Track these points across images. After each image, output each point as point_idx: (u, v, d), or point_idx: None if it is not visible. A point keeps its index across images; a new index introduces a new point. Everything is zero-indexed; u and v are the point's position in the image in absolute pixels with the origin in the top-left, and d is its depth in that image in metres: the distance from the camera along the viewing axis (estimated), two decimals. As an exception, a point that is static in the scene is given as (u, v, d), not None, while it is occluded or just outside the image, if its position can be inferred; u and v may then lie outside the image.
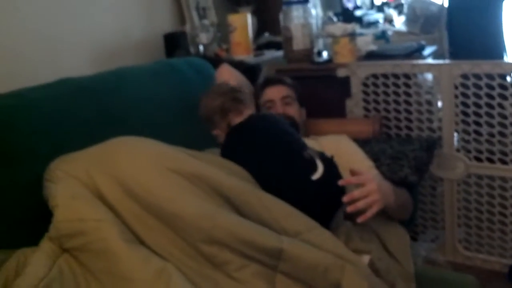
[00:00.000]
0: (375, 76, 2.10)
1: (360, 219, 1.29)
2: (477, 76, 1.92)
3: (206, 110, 1.66)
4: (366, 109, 2.16)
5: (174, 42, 2.40)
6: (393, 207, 1.43)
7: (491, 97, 1.91)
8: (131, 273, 1.07)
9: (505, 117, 1.91)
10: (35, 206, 1.26)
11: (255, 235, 1.13)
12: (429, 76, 2.07)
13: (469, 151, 2.02)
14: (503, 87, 1.89)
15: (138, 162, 1.25)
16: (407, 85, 2.05)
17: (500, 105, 1.90)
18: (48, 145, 1.36)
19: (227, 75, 1.95)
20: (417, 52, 2.34)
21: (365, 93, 2.14)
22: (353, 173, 1.40)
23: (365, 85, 2.13)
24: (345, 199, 1.30)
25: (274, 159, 1.41)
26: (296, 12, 2.38)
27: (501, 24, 3.24)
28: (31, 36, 1.87)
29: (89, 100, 1.55)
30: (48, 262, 1.12)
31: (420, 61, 2.18)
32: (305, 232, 1.21)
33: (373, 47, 2.43)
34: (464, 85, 1.95)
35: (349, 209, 1.29)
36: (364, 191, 1.32)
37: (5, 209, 1.24)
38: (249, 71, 2.07)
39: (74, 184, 1.23)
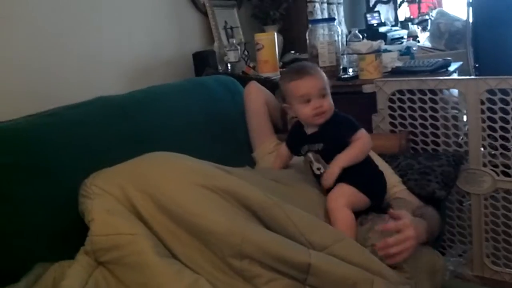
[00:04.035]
0: (401, 92, 2.10)
1: (389, 261, 1.27)
2: (504, 91, 1.91)
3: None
4: (393, 125, 2.16)
5: (203, 61, 2.44)
6: (424, 242, 1.42)
7: (518, 112, 1.90)
8: (165, 286, 1.09)
9: (532, 132, 1.90)
10: (71, 220, 1.30)
11: (283, 250, 1.14)
12: (455, 92, 2.07)
13: (496, 166, 2.01)
14: (530, 102, 1.88)
15: (169, 177, 1.27)
16: (433, 101, 2.05)
17: (527, 120, 1.89)
18: (84, 162, 1.39)
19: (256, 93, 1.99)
20: (443, 68, 2.35)
21: (391, 108, 2.14)
22: (392, 215, 1.39)
23: (391, 101, 2.13)
24: (380, 245, 1.28)
25: None
26: (322, 30, 2.42)
27: (527, 39, 3.21)
28: (66, 56, 1.92)
29: (122, 117, 1.59)
30: (84, 275, 1.15)
31: (446, 77, 2.18)
32: (332, 245, 1.21)
33: (398, 63, 2.44)
34: (491, 100, 1.93)
35: (380, 253, 1.28)
36: (401, 239, 1.30)
37: (42, 223, 1.26)
38: (276, 88, 2.10)
39: (109, 199, 1.26)
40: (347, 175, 1.44)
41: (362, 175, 1.47)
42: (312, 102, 1.48)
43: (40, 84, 1.81)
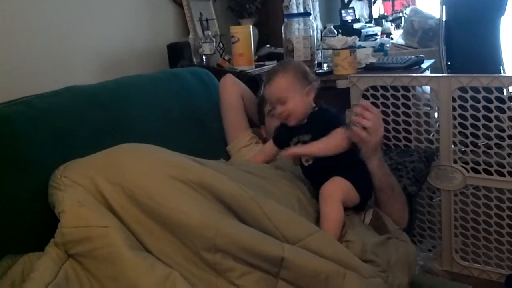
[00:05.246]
0: (374, 88, 2.12)
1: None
2: (475, 89, 1.93)
3: None
4: (366, 120, 2.17)
5: (178, 52, 2.42)
6: (378, 174, 1.48)
7: (488, 110, 1.93)
8: (136, 279, 1.08)
9: (502, 129, 1.93)
10: (42, 212, 1.27)
11: (256, 244, 1.13)
12: (427, 89, 2.09)
13: (466, 163, 2.04)
14: (501, 100, 1.91)
15: (142, 169, 1.25)
16: (406, 97, 2.07)
17: (497, 118, 1.92)
18: (55, 152, 1.36)
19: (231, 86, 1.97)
20: (415, 65, 2.37)
21: (365, 104, 2.16)
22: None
23: (365, 96, 2.14)
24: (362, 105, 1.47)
25: None
26: (297, 24, 2.42)
27: (499, 38, 3.27)
28: (39, 47, 1.89)
29: (94, 107, 1.56)
30: (54, 268, 1.12)
31: (420, 74, 2.20)
32: (305, 238, 1.21)
33: (372, 60, 2.46)
34: (462, 98, 1.96)
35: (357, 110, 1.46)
36: (360, 128, 1.42)
37: (12, 215, 1.24)
38: (251, 81, 2.09)
39: (80, 191, 1.23)
40: (344, 169, 1.43)
41: (357, 172, 1.47)
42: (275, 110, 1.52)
43: (8, 73, 1.77)
